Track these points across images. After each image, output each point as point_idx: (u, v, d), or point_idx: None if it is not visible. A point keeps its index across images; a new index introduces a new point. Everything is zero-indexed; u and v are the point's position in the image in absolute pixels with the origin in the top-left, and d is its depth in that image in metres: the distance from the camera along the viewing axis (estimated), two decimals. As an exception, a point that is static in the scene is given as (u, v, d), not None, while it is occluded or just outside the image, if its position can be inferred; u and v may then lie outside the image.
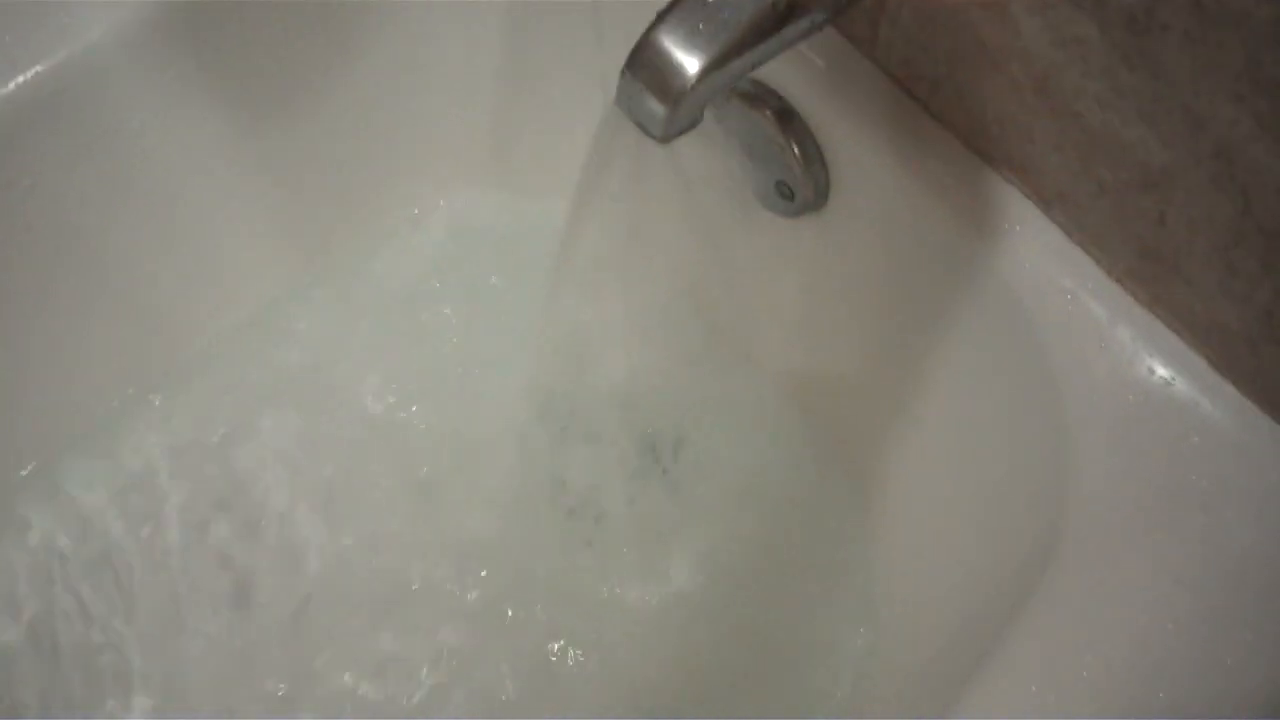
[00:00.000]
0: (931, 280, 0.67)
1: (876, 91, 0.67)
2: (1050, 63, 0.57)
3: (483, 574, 0.84)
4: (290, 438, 0.88)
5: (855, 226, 0.71)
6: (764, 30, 0.55)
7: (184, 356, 0.88)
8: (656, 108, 0.55)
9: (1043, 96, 0.58)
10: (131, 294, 0.82)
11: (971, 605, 0.66)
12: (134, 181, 0.77)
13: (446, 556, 0.84)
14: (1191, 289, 0.57)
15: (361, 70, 0.84)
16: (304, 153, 0.85)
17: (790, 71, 0.68)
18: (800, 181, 0.69)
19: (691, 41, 0.54)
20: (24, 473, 0.84)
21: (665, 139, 0.56)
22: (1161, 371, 0.59)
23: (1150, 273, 0.59)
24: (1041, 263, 0.62)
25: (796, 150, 0.68)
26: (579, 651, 0.81)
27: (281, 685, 0.80)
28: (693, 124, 0.57)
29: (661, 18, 0.54)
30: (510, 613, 0.83)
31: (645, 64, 0.54)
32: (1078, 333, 0.61)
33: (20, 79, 0.69)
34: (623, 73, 0.55)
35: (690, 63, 0.54)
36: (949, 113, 0.65)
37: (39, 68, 0.69)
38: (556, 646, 0.81)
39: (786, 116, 0.68)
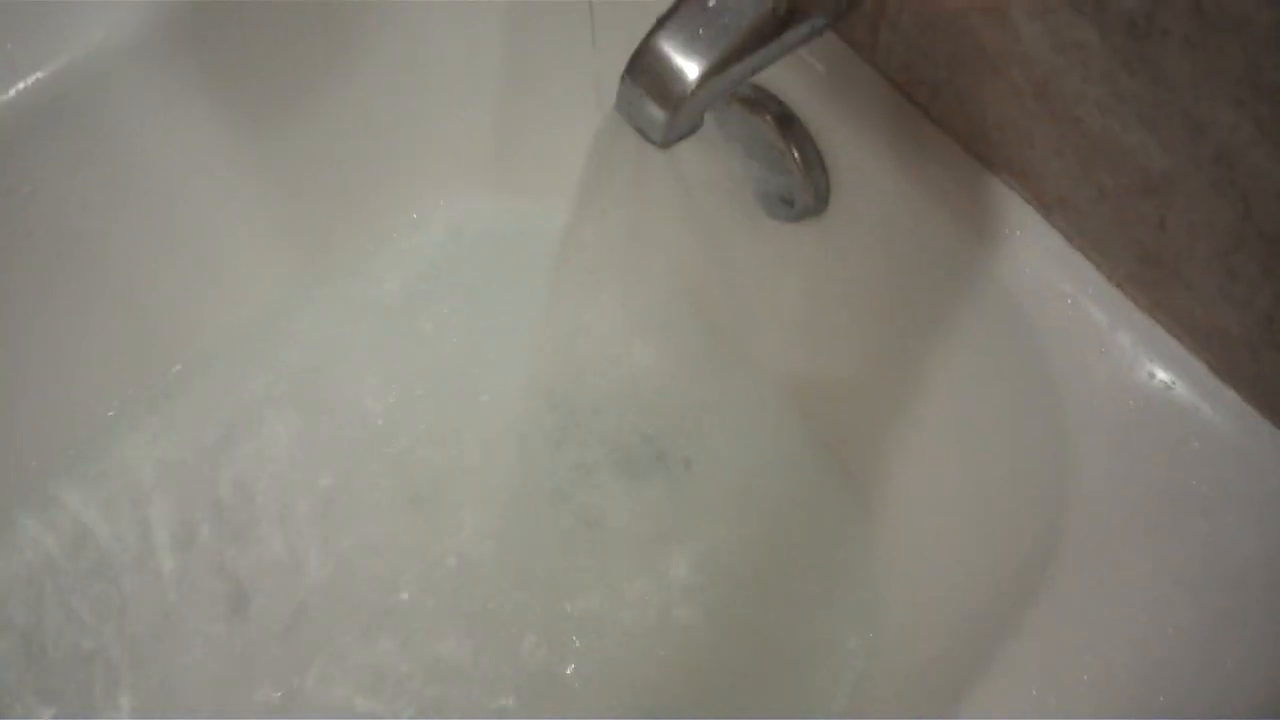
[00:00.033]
0: (932, 285, 0.67)
1: (877, 96, 0.67)
2: (1050, 68, 0.57)
3: (482, 575, 0.84)
4: (289, 440, 0.88)
5: (856, 231, 0.71)
6: (764, 35, 0.55)
7: (184, 359, 0.88)
8: (656, 113, 0.55)
9: (1043, 101, 0.58)
10: (131, 297, 0.82)
11: (971, 607, 0.67)
12: (134, 185, 0.77)
13: (446, 559, 0.84)
14: (1192, 294, 0.57)
15: (361, 72, 0.84)
16: (304, 155, 0.85)
17: (790, 76, 0.68)
18: (801, 186, 0.69)
19: (691, 47, 0.54)
20: (22, 476, 0.84)
21: (665, 144, 0.56)
22: (1162, 376, 0.59)
23: (1150, 278, 0.59)
24: (1042, 268, 0.62)
25: (797, 155, 0.68)
26: (579, 653, 0.81)
27: (277, 693, 0.80)
28: (693, 129, 0.57)
29: (661, 23, 0.54)
30: (510, 614, 0.83)
31: (645, 69, 0.54)
32: (1078, 337, 0.61)
33: (21, 85, 0.69)
34: (623, 78, 0.55)
35: (690, 68, 0.54)
36: (949, 118, 0.65)
37: (40, 74, 0.69)
38: (556, 648, 0.81)
39: (787, 121, 0.68)
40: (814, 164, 0.69)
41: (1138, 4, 0.51)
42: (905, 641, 0.76)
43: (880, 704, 0.76)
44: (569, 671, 0.81)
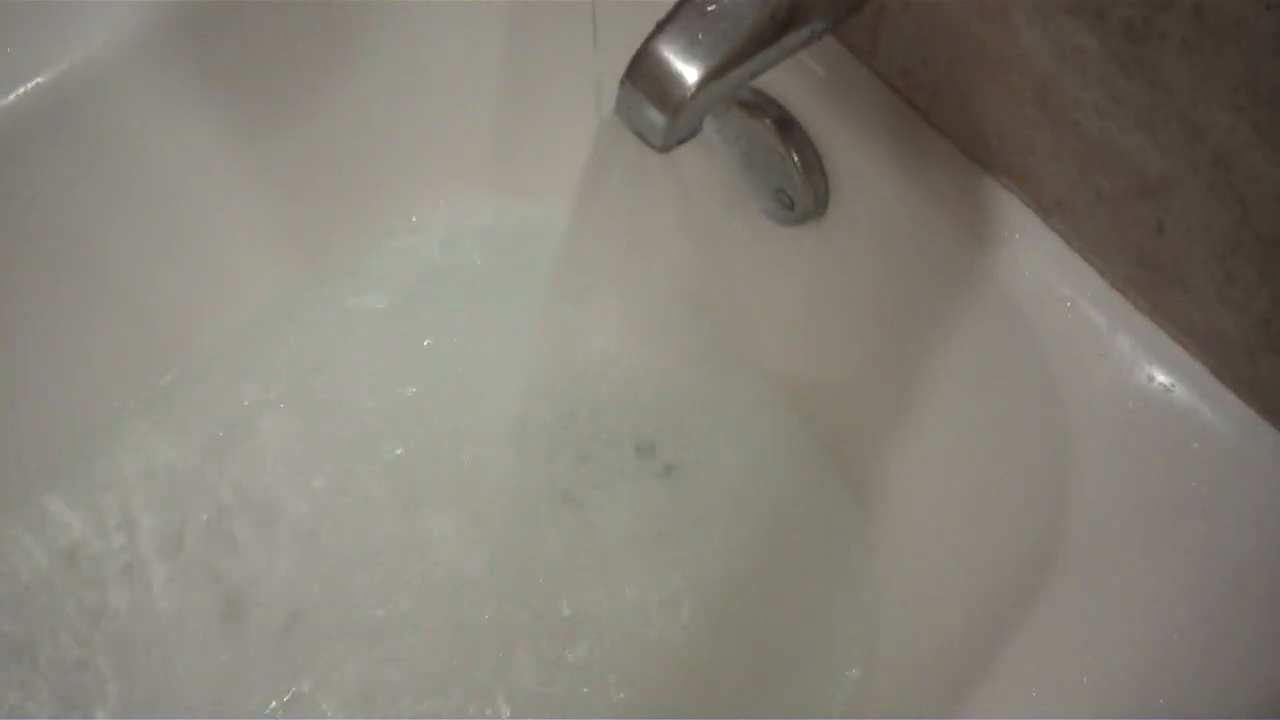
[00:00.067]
0: (931, 288, 0.67)
1: (876, 100, 0.67)
2: (1049, 72, 0.57)
3: (482, 577, 0.84)
4: (286, 443, 0.88)
5: (855, 235, 0.71)
6: (763, 39, 0.55)
7: (183, 361, 0.88)
8: (656, 118, 0.55)
9: (1042, 105, 0.58)
10: (131, 300, 0.82)
11: (971, 609, 0.67)
12: (133, 187, 0.77)
13: (443, 562, 0.84)
14: (1190, 297, 0.57)
15: (361, 73, 0.83)
16: (304, 155, 0.85)
17: (790, 80, 0.68)
18: (800, 190, 0.70)
19: (691, 51, 0.54)
20: (22, 476, 0.84)
21: (665, 149, 0.56)
22: (1161, 379, 0.59)
23: (1149, 280, 0.59)
24: (1041, 271, 0.62)
25: (796, 159, 0.68)
26: (578, 654, 0.81)
27: (272, 701, 0.80)
28: (692, 133, 0.57)
29: (661, 27, 0.54)
30: (510, 616, 0.83)
31: (645, 74, 0.54)
32: (1077, 340, 0.61)
33: (21, 89, 0.69)
34: (622, 82, 0.55)
35: (689, 72, 0.54)
36: (948, 122, 0.65)
37: (40, 78, 0.69)
38: (556, 649, 0.82)
39: (786, 125, 0.68)
40: (814, 168, 0.69)
41: (1136, 8, 0.51)
42: (905, 642, 0.77)
43: (880, 704, 0.76)
44: (568, 674, 0.81)
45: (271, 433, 0.88)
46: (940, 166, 0.65)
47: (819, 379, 0.83)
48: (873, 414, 0.78)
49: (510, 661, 0.81)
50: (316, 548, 0.85)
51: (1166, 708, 0.53)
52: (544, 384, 0.90)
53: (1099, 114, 0.56)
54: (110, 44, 0.71)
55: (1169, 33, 0.50)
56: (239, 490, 0.86)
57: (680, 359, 0.90)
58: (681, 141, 0.57)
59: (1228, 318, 0.56)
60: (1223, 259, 0.55)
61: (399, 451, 0.88)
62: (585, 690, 0.80)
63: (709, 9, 0.54)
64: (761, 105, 0.69)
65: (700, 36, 0.54)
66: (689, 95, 0.54)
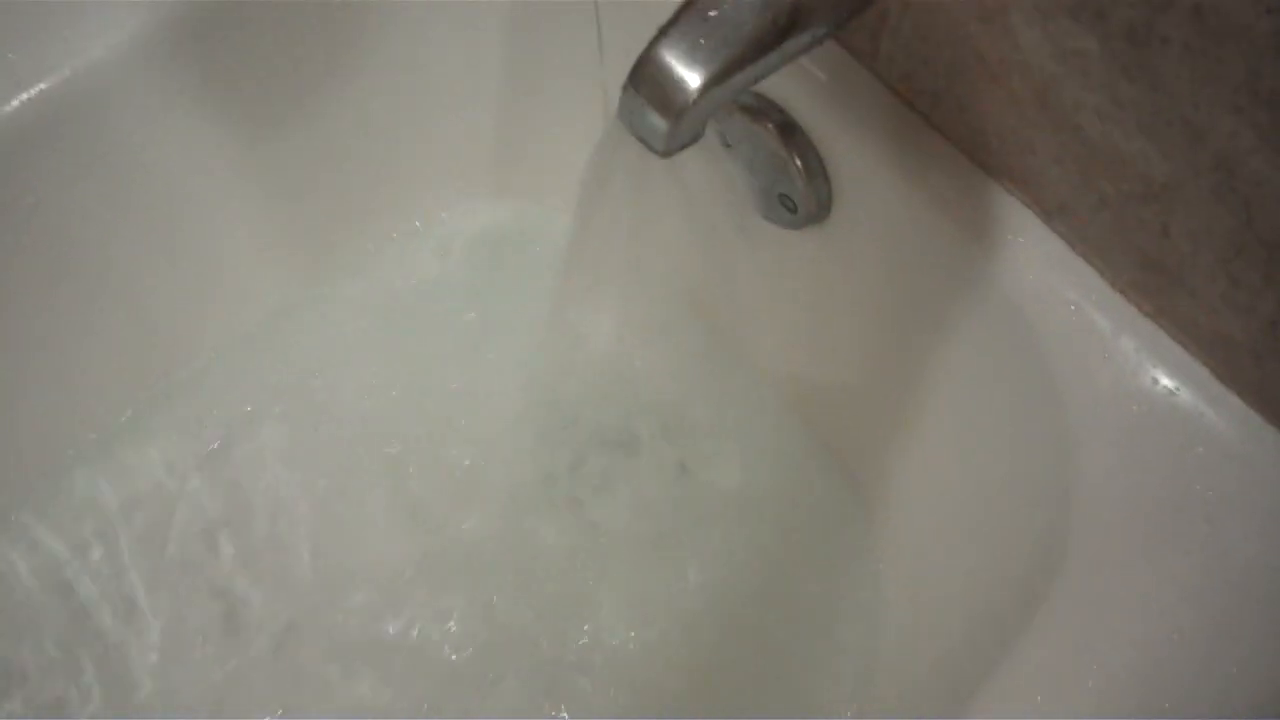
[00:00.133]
0: (934, 292, 0.67)
1: (878, 104, 0.67)
2: (1050, 75, 0.57)
3: (481, 581, 0.84)
4: (289, 449, 0.88)
5: (858, 238, 0.71)
6: (765, 44, 0.55)
7: (184, 365, 0.89)
8: (659, 123, 0.54)
9: (1043, 109, 0.58)
10: (132, 307, 0.83)
11: (972, 611, 0.67)
12: (134, 191, 0.77)
13: (443, 567, 0.85)
14: (1195, 300, 0.57)
15: (361, 76, 0.84)
16: (304, 159, 0.85)
17: (792, 85, 0.68)
18: (803, 194, 0.70)
19: (693, 56, 0.54)
20: (23, 476, 0.84)
21: (667, 154, 0.56)
22: (1165, 382, 0.59)
23: (1153, 284, 0.59)
24: (1044, 274, 0.62)
25: (799, 163, 0.68)
26: (579, 656, 0.81)
27: (270, 710, 0.80)
28: (695, 138, 0.57)
29: (663, 33, 0.54)
30: (510, 619, 0.83)
31: (647, 79, 0.54)
32: (1081, 343, 0.61)
33: (24, 96, 0.69)
34: (625, 88, 0.55)
35: (692, 78, 0.53)
36: (950, 125, 0.65)
37: (43, 85, 0.69)
38: (555, 651, 0.82)
39: (789, 130, 0.68)
40: (816, 172, 0.69)
41: (1137, 12, 0.51)
42: (905, 642, 0.77)
43: (880, 704, 0.76)
44: (568, 675, 0.81)
45: (271, 439, 0.88)
46: (942, 170, 0.65)
47: (821, 381, 0.83)
48: (875, 416, 0.78)
49: (510, 662, 0.81)
50: (315, 555, 0.85)
51: (1169, 710, 0.53)
52: (545, 386, 0.91)
53: (1101, 117, 0.56)
54: (111, 49, 0.71)
55: (1171, 36, 0.50)
56: (238, 496, 0.86)
57: (682, 361, 0.91)
58: (684, 146, 0.57)
59: (1232, 321, 0.56)
60: (1227, 262, 0.55)
61: (399, 454, 0.89)
62: (585, 691, 0.80)
63: (711, 14, 0.54)
64: (764, 110, 0.69)
65: (702, 42, 0.54)
66: (691, 100, 0.54)
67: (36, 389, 0.81)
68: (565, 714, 0.80)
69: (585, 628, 0.82)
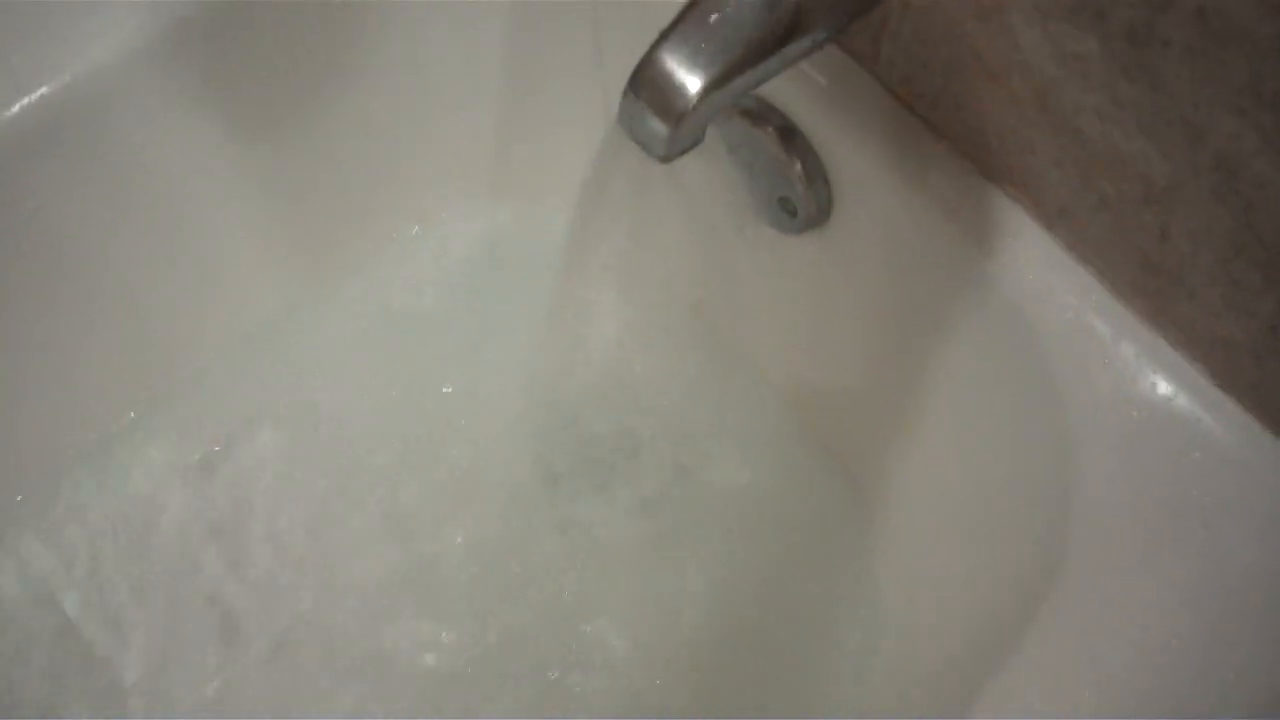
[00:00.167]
0: (934, 295, 0.67)
1: (878, 108, 0.67)
2: (1050, 77, 0.57)
3: (481, 581, 0.84)
4: (289, 450, 0.88)
5: (858, 242, 0.71)
6: (765, 49, 0.55)
7: (183, 375, 0.88)
8: (659, 127, 0.55)
9: (1043, 111, 0.58)
10: (132, 309, 0.83)
11: (972, 614, 0.67)
12: (135, 195, 0.77)
13: (443, 568, 0.85)
14: (1194, 303, 0.57)
15: (362, 78, 0.84)
16: (304, 161, 0.85)
17: (792, 89, 0.68)
18: (803, 198, 0.70)
19: (693, 61, 0.54)
20: (23, 476, 0.84)
21: (667, 158, 0.56)
22: (1164, 387, 0.59)
23: (1153, 287, 0.59)
24: (1044, 277, 0.62)
25: (799, 167, 0.68)
26: (580, 657, 0.81)
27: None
28: (695, 143, 0.57)
29: (663, 37, 0.54)
30: (510, 620, 0.83)
31: (647, 84, 0.54)
32: (1080, 348, 0.61)
33: (25, 101, 0.69)
34: (625, 92, 0.55)
35: (692, 82, 0.54)
36: (950, 128, 0.65)
37: (44, 89, 0.69)
38: (555, 654, 0.82)
39: (789, 134, 0.68)
40: (816, 176, 0.69)
41: (1137, 13, 0.51)
42: (906, 645, 0.77)
43: (881, 704, 0.76)
44: (569, 678, 0.81)
45: (270, 439, 0.89)
46: (942, 173, 0.65)
47: (821, 384, 0.83)
48: (875, 420, 0.78)
49: (510, 662, 0.81)
50: (314, 557, 0.85)
51: (1166, 714, 0.53)
52: (545, 386, 0.91)
53: (1101, 119, 0.56)
54: (111, 51, 0.71)
55: (1171, 38, 0.50)
56: (238, 498, 0.86)
57: (682, 362, 0.91)
58: (684, 151, 0.57)
59: (1233, 324, 0.56)
60: (1227, 265, 0.55)
61: (399, 454, 0.89)
62: (585, 691, 0.80)
63: (711, 19, 0.54)
64: (764, 114, 0.69)
65: (703, 46, 0.54)
66: (692, 105, 0.54)
67: (34, 394, 0.81)
68: (565, 714, 0.80)
69: (586, 629, 0.82)
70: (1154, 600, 0.55)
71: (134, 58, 0.72)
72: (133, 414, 0.87)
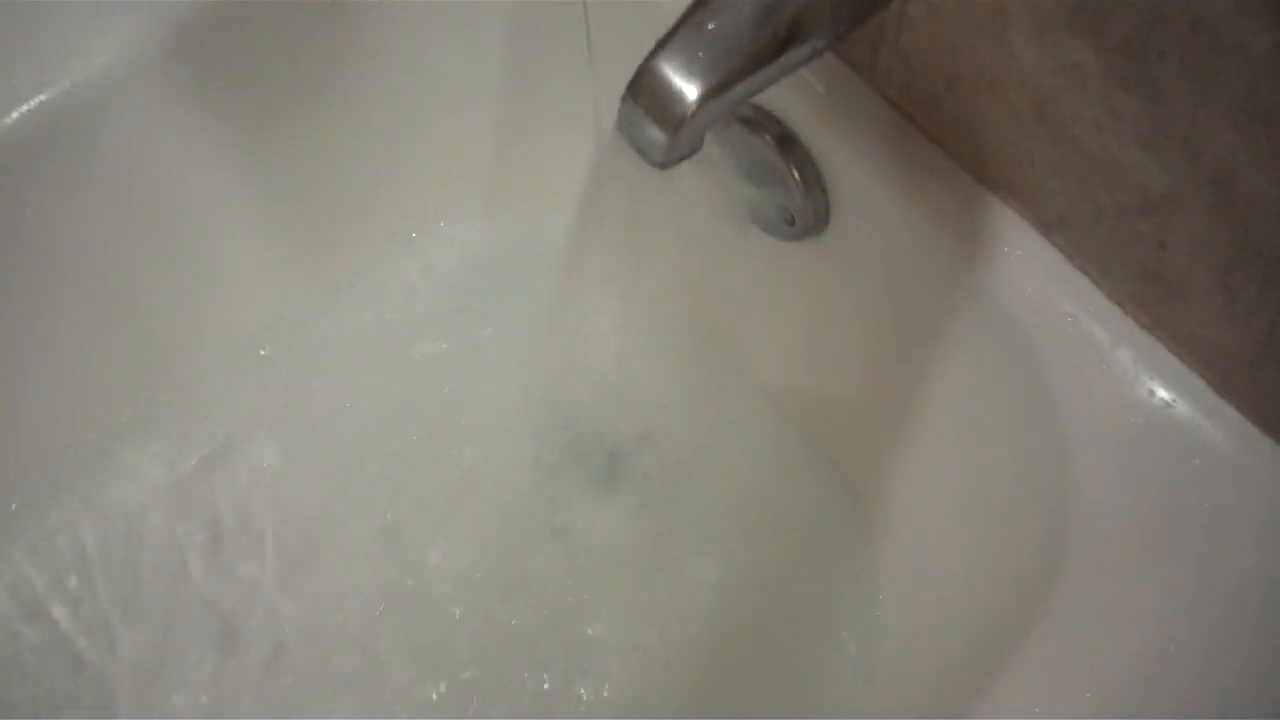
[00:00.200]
0: (932, 304, 0.67)
1: (876, 117, 0.67)
2: (1048, 88, 0.57)
3: (481, 582, 0.84)
4: (289, 450, 0.88)
5: (856, 251, 0.71)
6: (764, 57, 0.55)
7: (181, 375, 0.88)
8: (657, 135, 0.54)
9: (1041, 121, 0.58)
10: (131, 312, 0.83)
11: (971, 621, 0.67)
12: (135, 198, 0.77)
13: (442, 568, 0.85)
14: (1192, 312, 0.57)
15: (362, 82, 0.84)
16: (305, 166, 0.85)
17: (791, 97, 0.68)
18: (800, 206, 0.70)
19: (691, 68, 0.54)
20: (24, 477, 0.84)
21: (665, 166, 0.56)
22: (1162, 394, 0.59)
23: (1151, 296, 0.59)
24: (1042, 286, 0.62)
25: (797, 175, 0.68)
26: (579, 658, 0.81)
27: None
28: (693, 150, 0.57)
29: (661, 45, 0.54)
30: (510, 620, 0.83)
31: (645, 91, 0.54)
32: (1078, 355, 0.61)
33: (24, 108, 0.69)
34: (623, 99, 0.55)
35: (690, 89, 0.53)
36: (948, 138, 0.65)
37: (43, 96, 0.69)
38: (555, 657, 0.82)
39: (787, 142, 0.68)
40: (814, 184, 0.69)
41: (1134, 25, 0.51)
42: (906, 647, 0.77)
43: (881, 705, 0.76)
44: (569, 679, 0.81)
45: (268, 450, 0.88)
46: (940, 182, 0.65)
47: (819, 392, 0.83)
48: (873, 428, 0.78)
49: (510, 662, 0.81)
50: (314, 559, 0.85)
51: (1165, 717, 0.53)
52: (545, 387, 0.91)
53: (1099, 130, 0.56)
54: (111, 53, 0.71)
55: (1168, 50, 0.50)
56: (237, 499, 0.86)
57: (681, 366, 0.91)
58: (682, 158, 0.57)
59: (1229, 333, 0.56)
60: (1224, 275, 0.55)
61: (398, 455, 0.89)
62: (585, 692, 0.80)
63: (709, 26, 0.54)
64: (762, 122, 0.69)
65: (701, 54, 0.54)
66: (690, 112, 0.54)
67: (32, 399, 0.81)
68: (566, 715, 0.80)
69: (586, 630, 0.82)
70: (1153, 605, 0.55)
71: (134, 59, 0.72)
72: (131, 415, 0.87)
